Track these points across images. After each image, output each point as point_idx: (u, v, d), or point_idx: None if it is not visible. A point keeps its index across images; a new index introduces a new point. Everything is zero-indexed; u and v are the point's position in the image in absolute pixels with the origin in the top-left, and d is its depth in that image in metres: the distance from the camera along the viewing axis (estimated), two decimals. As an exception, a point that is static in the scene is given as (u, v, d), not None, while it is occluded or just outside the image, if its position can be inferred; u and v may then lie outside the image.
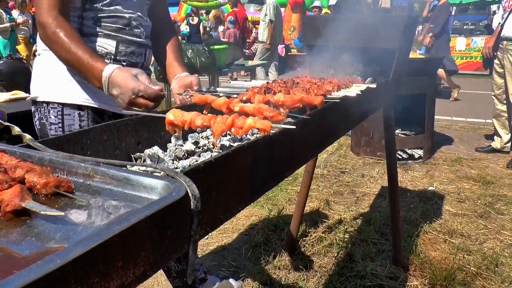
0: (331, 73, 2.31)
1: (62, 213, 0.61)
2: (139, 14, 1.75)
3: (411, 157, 5.16)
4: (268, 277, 2.67)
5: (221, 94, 1.63)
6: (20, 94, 3.44)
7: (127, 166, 0.84)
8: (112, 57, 1.66)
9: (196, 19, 13.64)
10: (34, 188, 0.71)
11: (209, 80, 6.09)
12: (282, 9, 16.02)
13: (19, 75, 4.59)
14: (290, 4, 11.93)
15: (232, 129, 1.12)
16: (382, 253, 2.99)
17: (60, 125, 1.65)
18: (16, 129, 1.13)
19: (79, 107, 1.65)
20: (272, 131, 1.04)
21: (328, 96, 1.59)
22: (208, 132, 1.47)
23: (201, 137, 1.43)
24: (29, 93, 3.47)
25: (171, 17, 2.18)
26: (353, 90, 1.77)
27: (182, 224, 0.73)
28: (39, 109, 1.69)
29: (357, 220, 3.50)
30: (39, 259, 0.52)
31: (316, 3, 11.85)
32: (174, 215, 0.69)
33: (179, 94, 1.60)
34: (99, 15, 1.63)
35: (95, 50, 1.59)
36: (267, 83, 1.69)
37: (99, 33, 1.64)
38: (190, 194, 0.67)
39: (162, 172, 0.72)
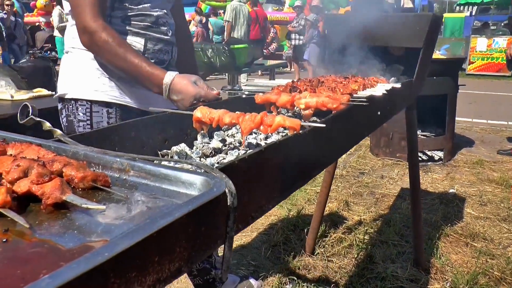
0: (354, 72, 2.30)
1: (104, 207, 0.61)
2: (165, 11, 1.76)
3: (431, 158, 5.10)
4: (287, 277, 2.66)
5: (246, 92, 1.63)
6: (43, 91, 3.48)
7: (162, 162, 0.84)
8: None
9: (203, 19, 13.65)
10: (71, 182, 0.72)
11: (228, 79, 6.09)
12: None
13: (41, 73, 4.66)
14: (309, 4, 11.92)
15: (261, 127, 1.12)
16: (402, 255, 2.96)
17: (88, 122, 1.66)
18: (47, 125, 1.14)
19: (108, 105, 1.67)
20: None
21: (354, 95, 1.57)
22: (234, 130, 1.47)
23: (227, 135, 1.43)
24: (51, 91, 3.53)
25: (189, 16, 2.22)
26: (379, 90, 1.75)
27: (217, 220, 0.73)
28: (66, 106, 1.70)
29: (377, 222, 3.47)
30: (84, 252, 0.52)
31: (297, 3, 11.80)
32: (210, 211, 0.69)
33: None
34: (127, 13, 1.64)
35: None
36: (292, 81, 1.68)
37: (128, 31, 1.65)
38: (227, 190, 0.67)
39: (198, 168, 0.72)
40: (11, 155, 0.78)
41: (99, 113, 1.66)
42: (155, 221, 0.52)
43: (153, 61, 1.65)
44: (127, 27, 1.65)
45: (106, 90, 1.66)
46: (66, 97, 1.69)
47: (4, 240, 0.54)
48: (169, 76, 1.46)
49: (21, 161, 0.72)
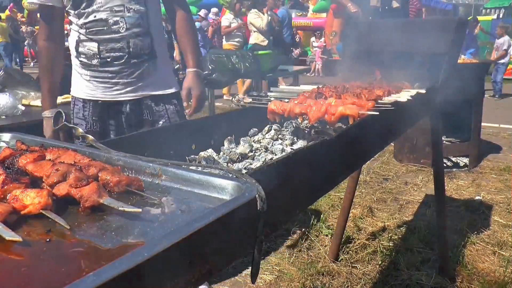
0: (378, 78, 2.29)
1: (140, 210, 0.63)
2: (119, 4, 1.86)
3: (456, 165, 5.02)
4: (312, 282, 2.66)
5: (272, 98, 1.65)
6: (70, 97, 3.56)
7: (193, 167, 0.87)
8: (98, 57, 1.90)
9: None
10: (106, 186, 0.75)
11: (252, 85, 6.13)
12: (324, 14, 15.96)
13: (69, 80, 4.78)
14: (332, 9, 11.88)
15: (326, 116, 1.33)
16: (427, 262, 2.92)
17: (72, 112, 2.05)
18: (80, 130, 1.19)
19: (84, 100, 2.01)
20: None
21: (379, 101, 1.58)
22: (260, 136, 1.49)
23: (253, 141, 1.45)
24: None
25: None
26: (403, 95, 1.75)
27: (246, 224, 0.75)
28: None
29: (401, 228, 3.43)
30: (122, 253, 0.54)
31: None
32: (240, 216, 0.71)
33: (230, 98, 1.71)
34: (84, 21, 1.88)
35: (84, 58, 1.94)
36: (318, 87, 1.69)
37: (86, 39, 1.90)
38: (257, 195, 0.69)
39: (228, 174, 0.74)
40: (49, 160, 0.82)
41: (78, 106, 2.02)
42: (191, 224, 0.54)
43: (109, 59, 1.90)
44: (86, 35, 1.90)
45: (83, 89, 1.99)
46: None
47: (48, 240, 0.57)
48: (44, 113, 1.98)
49: (59, 165, 0.75)
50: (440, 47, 2.24)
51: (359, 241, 3.17)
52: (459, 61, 5.11)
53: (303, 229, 3.33)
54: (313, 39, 15.89)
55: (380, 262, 2.91)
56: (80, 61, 1.94)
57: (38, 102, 3.24)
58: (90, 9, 1.86)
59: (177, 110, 2.05)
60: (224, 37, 8.80)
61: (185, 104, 2.06)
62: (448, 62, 2.23)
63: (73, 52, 1.97)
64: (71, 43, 1.97)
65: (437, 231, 2.78)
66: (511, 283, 2.64)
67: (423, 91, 1.89)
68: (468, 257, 2.99)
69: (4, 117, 2.81)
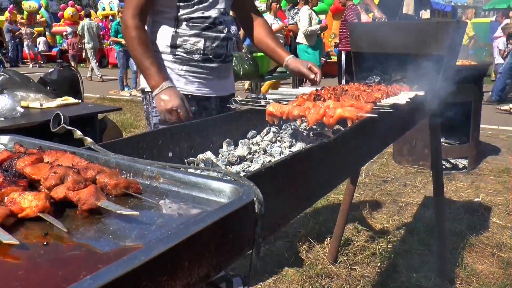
0: (377, 80, 2.30)
1: (137, 213, 0.63)
2: (222, 10, 2.01)
3: (455, 167, 5.02)
4: (310, 284, 2.66)
5: (270, 101, 1.65)
6: (70, 99, 3.57)
7: (192, 170, 0.87)
8: (201, 52, 1.97)
9: None
10: (104, 189, 0.75)
11: (252, 88, 6.13)
12: (323, 16, 15.96)
13: (68, 82, 4.78)
14: (331, 11, 11.91)
15: (324, 118, 1.33)
16: (426, 264, 2.92)
17: (153, 107, 1.99)
18: (78, 133, 1.18)
19: None
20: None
21: (377, 103, 1.58)
22: (258, 138, 1.49)
23: (252, 143, 1.45)
24: (78, 99, 3.68)
25: None
26: (402, 98, 1.75)
27: (244, 227, 0.74)
28: (145, 97, 2.06)
29: (400, 230, 3.43)
30: (119, 256, 0.54)
31: None
32: (238, 219, 0.71)
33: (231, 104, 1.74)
34: (190, 15, 1.94)
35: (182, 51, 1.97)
36: (316, 90, 1.69)
37: (191, 33, 1.95)
38: (255, 198, 0.69)
39: (226, 176, 0.74)
40: (47, 162, 0.82)
41: None
42: (188, 227, 0.54)
43: (211, 56, 2.00)
44: (190, 29, 1.95)
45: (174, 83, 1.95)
46: (145, 90, 2.03)
47: (45, 243, 0.57)
48: (165, 84, 1.85)
49: (57, 168, 0.75)
50: (438, 49, 2.24)
51: (358, 243, 3.17)
52: (458, 62, 5.11)
53: (302, 231, 3.33)
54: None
55: (379, 264, 2.91)
56: (176, 55, 1.96)
57: (37, 104, 3.24)
58: (201, 6, 1.94)
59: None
60: None
61: (312, 76, 2.08)
62: (447, 64, 2.23)
63: (165, 46, 1.97)
64: (162, 35, 1.97)
65: (436, 233, 2.78)
66: (510, 285, 2.64)
67: (422, 93, 1.89)
68: (467, 259, 2.99)
69: (2, 119, 2.80)
